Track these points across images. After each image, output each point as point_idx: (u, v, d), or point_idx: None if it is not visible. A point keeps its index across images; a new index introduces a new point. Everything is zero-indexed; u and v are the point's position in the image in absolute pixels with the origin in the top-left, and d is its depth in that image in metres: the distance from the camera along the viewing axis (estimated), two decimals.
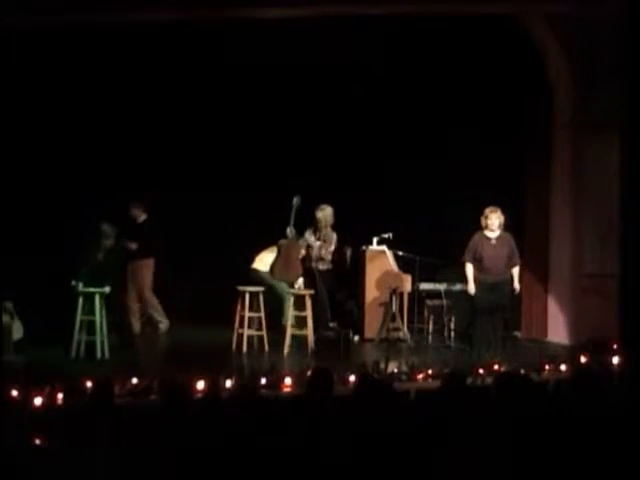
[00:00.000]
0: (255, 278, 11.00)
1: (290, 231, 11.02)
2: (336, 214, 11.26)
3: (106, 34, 10.30)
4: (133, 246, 11.30)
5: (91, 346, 9.51)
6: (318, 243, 11.24)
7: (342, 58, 11.31)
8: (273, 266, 11.04)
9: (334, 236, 11.27)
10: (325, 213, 11.19)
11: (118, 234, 10.42)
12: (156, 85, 11.68)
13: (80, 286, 9.78)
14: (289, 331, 10.31)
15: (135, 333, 11.41)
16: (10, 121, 10.66)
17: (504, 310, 10.48)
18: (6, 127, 10.43)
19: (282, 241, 11.02)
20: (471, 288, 10.35)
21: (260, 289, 10.75)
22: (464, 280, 10.51)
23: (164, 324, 11.70)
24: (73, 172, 11.48)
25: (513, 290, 10.39)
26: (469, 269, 10.37)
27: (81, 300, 9.65)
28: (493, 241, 10.36)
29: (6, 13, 8.30)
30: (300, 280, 11.05)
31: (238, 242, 11.46)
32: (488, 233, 10.35)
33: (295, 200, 11.03)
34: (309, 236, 11.27)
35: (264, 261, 11.14)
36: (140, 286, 11.59)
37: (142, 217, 11.63)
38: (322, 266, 11.28)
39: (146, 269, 11.59)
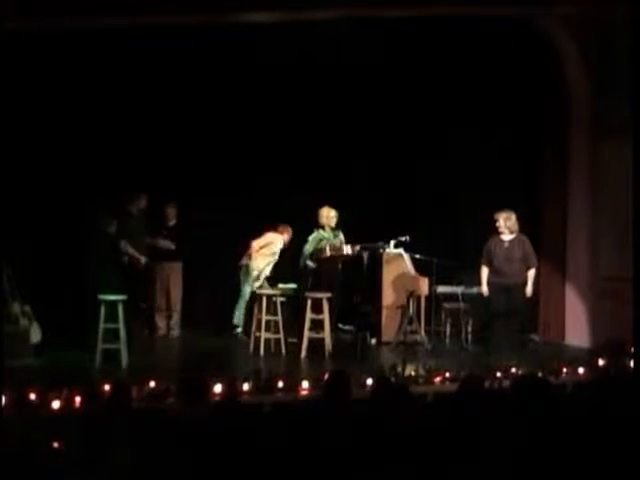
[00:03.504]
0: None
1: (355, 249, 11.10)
2: (354, 217, 11.25)
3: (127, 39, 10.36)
4: (170, 245, 11.46)
5: (113, 353, 9.48)
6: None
7: (358, 59, 11.29)
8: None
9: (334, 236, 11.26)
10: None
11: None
12: (172, 89, 11.68)
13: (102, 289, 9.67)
14: (306, 334, 10.31)
15: (162, 333, 11.63)
16: (37, 130, 10.82)
17: (520, 313, 10.46)
18: (32, 136, 10.60)
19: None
20: (484, 290, 10.47)
21: (277, 292, 10.81)
22: (481, 283, 10.55)
23: (162, 330, 11.70)
24: (95, 176, 11.47)
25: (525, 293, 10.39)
26: (483, 271, 10.49)
27: (103, 308, 9.42)
28: (506, 244, 10.38)
29: (9, 17, 8.32)
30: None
31: None
32: (502, 236, 10.38)
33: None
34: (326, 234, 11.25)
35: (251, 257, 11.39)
36: (169, 289, 11.67)
37: (173, 221, 11.67)
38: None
39: (176, 272, 11.68)
